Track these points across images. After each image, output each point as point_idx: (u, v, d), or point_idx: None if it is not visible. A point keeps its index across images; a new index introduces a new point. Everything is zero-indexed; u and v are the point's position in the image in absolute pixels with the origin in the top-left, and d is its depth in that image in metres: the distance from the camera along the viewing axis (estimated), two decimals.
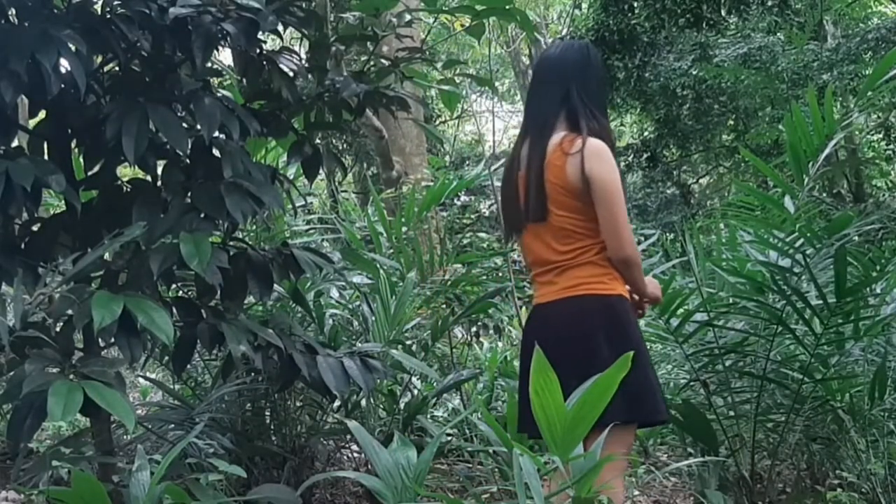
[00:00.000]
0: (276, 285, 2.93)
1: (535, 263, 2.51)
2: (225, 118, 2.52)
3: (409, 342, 3.90)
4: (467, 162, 17.27)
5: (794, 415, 3.14)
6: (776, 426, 3.28)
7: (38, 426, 2.17)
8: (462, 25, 3.44)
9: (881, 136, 12.67)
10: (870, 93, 3.40)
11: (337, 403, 3.54)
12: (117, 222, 2.52)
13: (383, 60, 3.16)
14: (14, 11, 2.50)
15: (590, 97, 2.47)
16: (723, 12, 11.28)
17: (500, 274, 4.93)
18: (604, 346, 2.32)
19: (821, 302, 3.00)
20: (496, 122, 21.30)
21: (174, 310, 2.72)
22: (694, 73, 11.47)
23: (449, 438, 3.67)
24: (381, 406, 3.85)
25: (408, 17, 3.03)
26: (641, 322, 2.64)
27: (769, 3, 10.96)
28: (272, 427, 3.58)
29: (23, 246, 2.62)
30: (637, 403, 2.34)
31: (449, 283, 4.15)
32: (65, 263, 2.44)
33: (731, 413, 3.28)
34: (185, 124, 2.59)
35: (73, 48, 2.30)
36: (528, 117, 2.57)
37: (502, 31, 15.13)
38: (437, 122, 17.78)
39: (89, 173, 2.69)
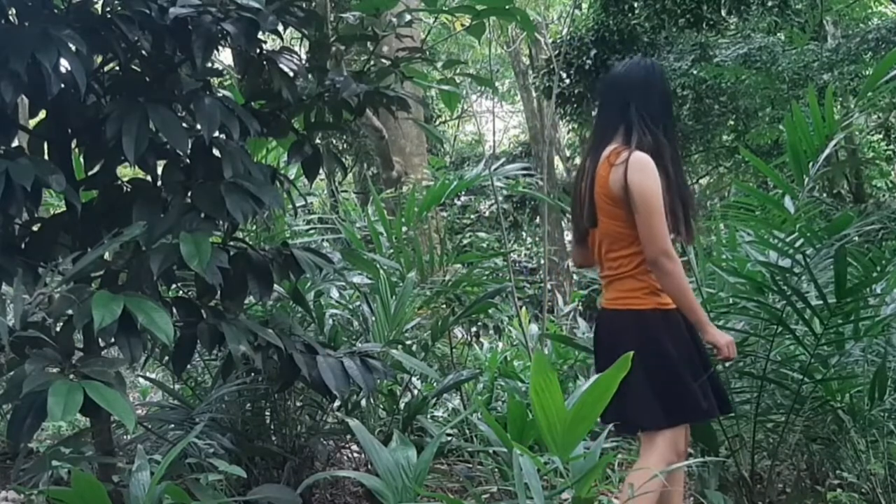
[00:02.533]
0: (276, 285, 2.93)
1: (599, 266, 2.74)
2: (225, 118, 2.52)
3: (409, 342, 3.90)
4: (467, 162, 17.27)
5: (794, 415, 3.14)
6: (776, 426, 3.28)
7: (38, 426, 2.17)
8: (462, 25, 3.44)
9: (881, 136, 12.67)
10: (870, 93, 3.40)
11: (337, 403, 3.54)
12: (117, 222, 2.52)
13: (383, 60, 3.16)
14: (14, 11, 2.50)
15: (650, 113, 2.60)
16: (723, 12, 11.25)
17: (501, 274, 4.93)
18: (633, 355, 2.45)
19: (821, 302, 2.99)
20: (496, 122, 21.31)
21: (174, 310, 2.72)
22: (694, 73, 11.44)
23: (449, 438, 3.67)
24: (381, 406, 3.85)
25: (408, 17, 3.03)
26: None
27: (769, 4, 10.93)
28: (272, 427, 3.58)
29: (23, 246, 2.62)
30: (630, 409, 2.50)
31: (449, 283, 4.15)
32: (65, 263, 2.44)
33: (731, 413, 3.27)
34: (185, 124, 2.59)
35: (73, 48, 2.30)
36: (592, 130, 2.81)
37: (502, 31, 15.12)
38: (438, 122, 17.78)
39: (89, 173, 2.69)
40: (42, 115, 2.67)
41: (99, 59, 2.70)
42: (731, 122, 13.41)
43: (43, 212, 3.11)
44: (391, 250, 4.21)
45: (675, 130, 2.70)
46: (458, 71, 3.52)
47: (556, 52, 11.66)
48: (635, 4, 11.65)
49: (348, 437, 3.65)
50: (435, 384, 3.85)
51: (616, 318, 2.64)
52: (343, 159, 8.73)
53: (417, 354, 3.80)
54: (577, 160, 18.92)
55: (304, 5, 2.79)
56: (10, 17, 2.50)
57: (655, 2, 11.00)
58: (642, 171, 2.49)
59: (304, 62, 2.93)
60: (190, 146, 2.63)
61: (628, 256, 2.57)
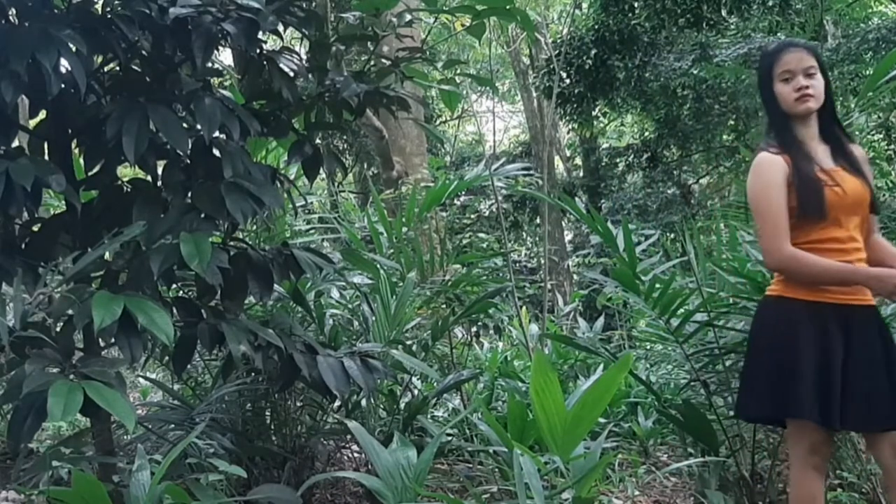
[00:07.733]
0: (276, 285, 2.93)
1: None
2: (225, 118, 2.52)
3: (409, 342, 3.89)
4: (467, 162, 17.27)
5: None
6: (776, 426, 3.27)
7: (39, 426, 2.17)
8: (462, 25, 3.44)
9: (881, 136, 12.66)
10: (870, 93, 3.39)
11: (337, 403, 3.54)
12: (117, 222, 2.52)
13: (383, 60, 3.16)
14: (14, 11, 2.50)
15: (767, 111, 2.55)
16: (723, 12, 11.26)
17: (501, 274, 4.93)
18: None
19: None
20: (496, 122, 21.31)
21: (174, 310, 2.72)
22: (694, 73, 11.45)
23: (449, 438, 3.67)
24: (382, 406, 3.85)
25: (408, 17, 3.03)
26: (642, 322, 2.67)
27: (770, 3, 10.94)
28: (272, 427, 3.58)
29: (23, 246, 2.62)
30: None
31: (449, 283, 4.15)
32: (65, 263, 2.44)
33: (732, 413, 3.27)
34: (185, 124, 2.59)
35: (73, 48, 2.30)
36: None
37: (503, 31, 15.12)
38: (438, 122, 17.77)
39: (89, 173, 2.69)
40: (42, 115, 2.67)
41: (99, 59, 2.70)
42: (732, 122, 13.42)
43: (43, 212, 3.11)
44: (391, 250, 4.21)
45: (780, 116, 2.50)
46: (458, 71, 3.52)
47: (557, 51, 11.65)
48: (635, 4, 11.66)
49: (348, 437, 3.65)
50: (435, 384, 3.84)
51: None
52: (343, 159, 8.72)
53: (417, 354, 3.80)
54: (578, 160, 18.93)
55: (304, 5, 2.79)
56: (11, 17, 2.50)
57: (656, 2, 11.01)
58: (753, 172, 2.46)
59: (304, 62, 2.93)
60: (190, 146, 2.63)
61: None
